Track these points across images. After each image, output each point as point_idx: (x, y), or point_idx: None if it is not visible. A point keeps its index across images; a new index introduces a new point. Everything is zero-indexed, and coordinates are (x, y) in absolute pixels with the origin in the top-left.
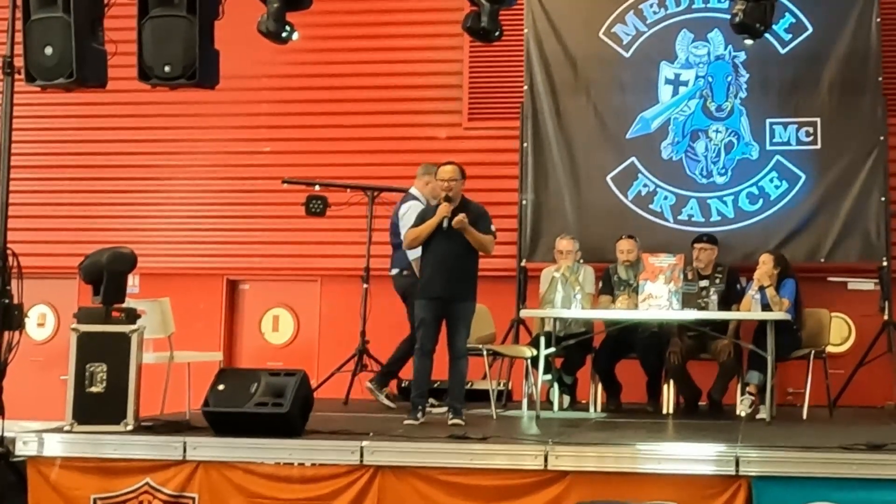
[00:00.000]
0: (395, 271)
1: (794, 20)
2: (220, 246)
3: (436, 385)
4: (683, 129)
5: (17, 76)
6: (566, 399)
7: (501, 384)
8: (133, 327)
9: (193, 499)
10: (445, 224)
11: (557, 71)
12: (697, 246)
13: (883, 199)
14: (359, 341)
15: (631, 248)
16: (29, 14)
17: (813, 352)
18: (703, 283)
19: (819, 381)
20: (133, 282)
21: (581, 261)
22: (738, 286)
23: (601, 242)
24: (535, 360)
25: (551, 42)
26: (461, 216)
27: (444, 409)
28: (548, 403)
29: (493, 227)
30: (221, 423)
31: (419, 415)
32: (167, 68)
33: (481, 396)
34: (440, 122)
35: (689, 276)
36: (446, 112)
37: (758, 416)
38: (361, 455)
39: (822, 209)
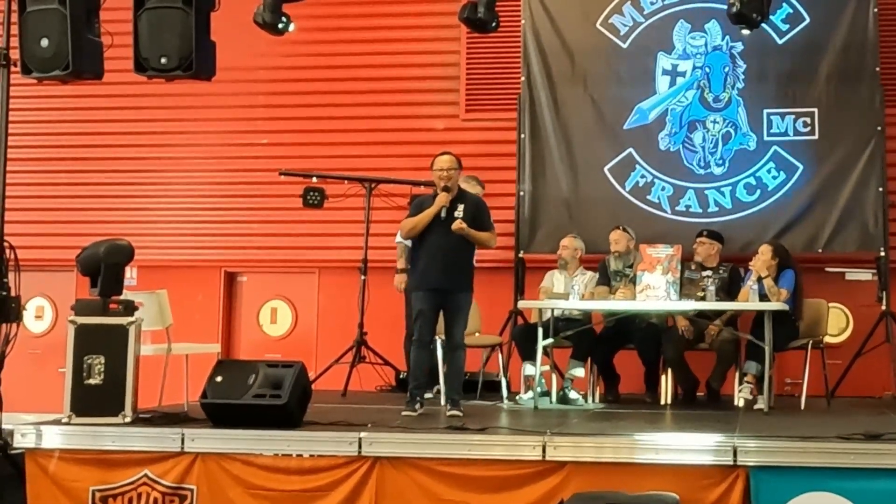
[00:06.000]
0: None
1: (791, 10)
2: (218, 238)
3: None
4: (681, 120)
5: (13, 68)
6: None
7: (499, 375)
8: (131, 319)
9: (192, 490)
10: (444, 214)
11: (554, 62)
12: (697, 240)
13: (881, 189)
14: (357, 333)
15: (618, 238)
16: (25, 6)
17: (811, 342)
18: (706, 272)
19: (817, 371)
20: (131, 274)
21: (580, 253)
22: (741, 283)
23: (598, 234)
24: (527, 351)
25: (548, 33)
26: (460, 222)
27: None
28: (546, 394)
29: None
30: (219, 414)
31: (417, 406)
32: (163, 60)
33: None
34: (438, 114)
35: (693, 268)
36: (444, 103)
37: (756, 406)
38: (360, 446)
39: (819, 199)
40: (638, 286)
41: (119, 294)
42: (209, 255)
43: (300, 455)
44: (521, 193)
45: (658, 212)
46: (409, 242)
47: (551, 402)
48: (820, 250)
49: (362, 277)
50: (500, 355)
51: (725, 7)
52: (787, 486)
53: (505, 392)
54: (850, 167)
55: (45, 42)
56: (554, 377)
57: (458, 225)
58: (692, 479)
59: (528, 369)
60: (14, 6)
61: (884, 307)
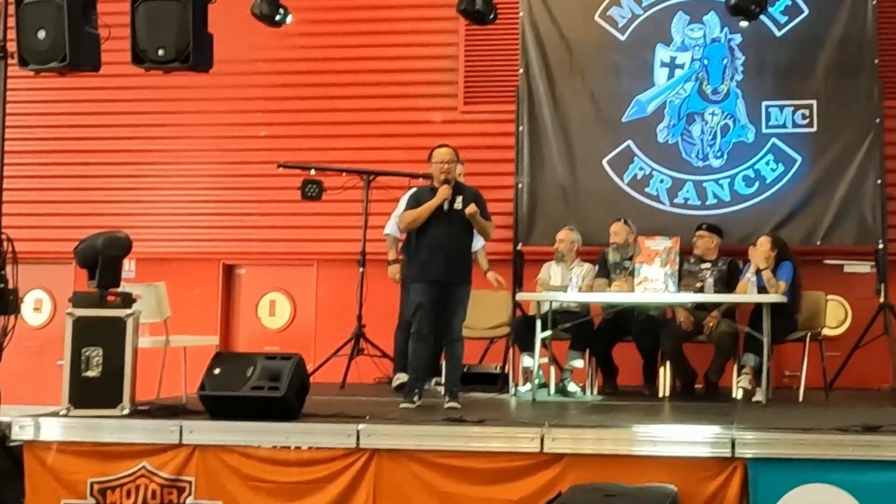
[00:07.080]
0: None
1: (790, 2)
2: (216, 230)
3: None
4: (679, 112)
5: (10, 60)
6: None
7: (497, 367)
8: (129, 311)
9: (190, 482)
10: (446, 207)
11: (553, 54)
12: (696, 233)
13: (879, 181)
14: (355, 325)
15: (618, 230)
16: None
17: (809, 334)
18: (705, 265)
19: (815, 363)
20: (129, 266)
21: (577, 245)
22: (740, 277)
23: (597, 226)
24: (526, 343)
25: (547, 25)
26: (472, 207)
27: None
28: (544, 386)
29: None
30: (218, 406)
31: (415, 398)
32: (161, 52)
33: (477, 380)
34: (436, 106)
35: (692, 261)
36: (442, 96)
37: (754, 399)
38: (358, 438)
39: (818, 192)
40: (636, 278)
41: (117, 286)
42: (208, 248)
43: (298, 447)
44: (520, 186)
45: (656, 204)
46: (398, 234)
47: (549, 394)
48: (818, 243)
49: (361, 270)
50: (507, 346)
51: None
52: (785, 477)
53: (512, 384)
54: (848, 160)
55: (41, 34)
56: (552, 369)
57: (471, 209)
58: (690, 471)
59: (527, 361)
60: None
61: (882, 300)
